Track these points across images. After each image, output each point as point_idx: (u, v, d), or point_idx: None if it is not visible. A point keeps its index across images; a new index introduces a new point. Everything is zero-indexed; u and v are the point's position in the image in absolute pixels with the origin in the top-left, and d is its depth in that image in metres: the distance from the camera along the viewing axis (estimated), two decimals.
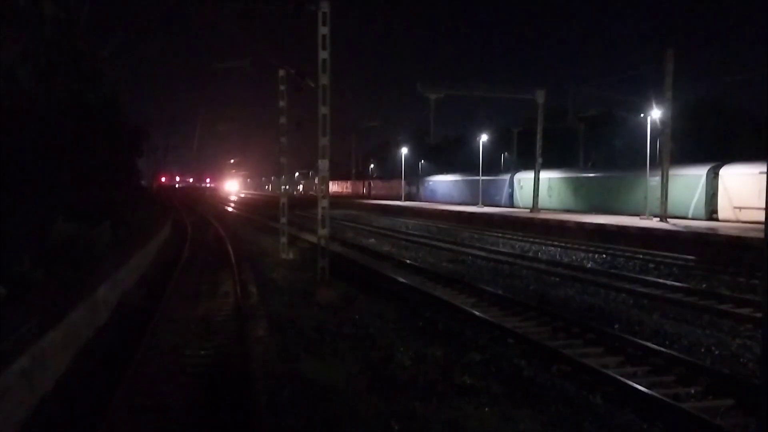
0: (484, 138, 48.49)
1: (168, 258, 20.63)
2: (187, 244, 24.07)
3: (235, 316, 11.63)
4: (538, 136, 37.88)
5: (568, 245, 24.73)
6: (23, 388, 6.71)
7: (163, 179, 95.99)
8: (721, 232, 21.76)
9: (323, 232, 15.89)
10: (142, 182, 48.87)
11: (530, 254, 22.32)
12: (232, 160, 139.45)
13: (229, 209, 63.00)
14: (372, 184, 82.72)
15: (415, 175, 69.85)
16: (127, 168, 30.67)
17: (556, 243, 25.52)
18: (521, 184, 44.58)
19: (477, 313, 12.19)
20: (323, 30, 15.04)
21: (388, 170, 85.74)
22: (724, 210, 28.36)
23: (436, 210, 45.19)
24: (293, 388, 7.63)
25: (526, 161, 48.67)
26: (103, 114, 21.33)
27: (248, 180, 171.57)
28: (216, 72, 26.60)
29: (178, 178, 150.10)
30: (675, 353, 9.28)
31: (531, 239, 27.28)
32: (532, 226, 31.60)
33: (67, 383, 7.98)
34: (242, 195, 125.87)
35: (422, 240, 27.72)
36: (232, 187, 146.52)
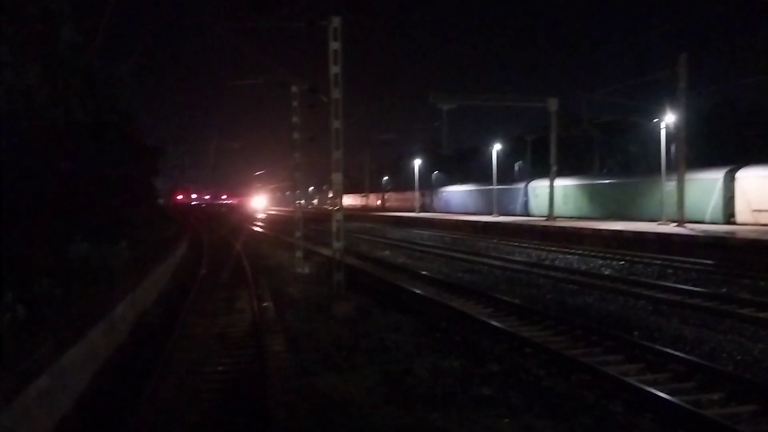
0: (497, 147, 48.40)
1: (185, 275, 20.75)
2: (203, 261, 24.19)
3: (252, 331, 11.66)
4: (552, 144, 37.74)
5: (585, 253, 24.56)
6: (43, 408, 6.76)
7: (179, 197, 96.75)
8: (739, 236, 21.52)
9: (338, 245, 15.90)
10: (159, 200, 49.34)
11: (547, 262, 22.19)
12: (258, 172, 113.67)
13: (247, 226, 63.23)
14: (386, 197, 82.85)
15: (429, 186, 69.82)
16: (144, 187, 31.01)
17: (572, 251, 25.35)
18: (536, 192, 44.40)
19: (494, 323, 12.12)
20: (335, 45, 15.13)
21: (402, 182, 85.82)
22: (742, 213, 28.05)
23: (450, 220, 45.11)
24: (311, 402, 7.62)
25: (540, 169, 48.49)
26: (119, 134, 21.60)
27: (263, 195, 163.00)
28: (231, 89, 26.87)
29: (194, 196, 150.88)
30: (696, 359, 9.17)
31: (547, 247, 27.12)
32: (548, 235, 31.44)
33: (87, 402, 8.03)
34: (270, 212, 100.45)
35: (437, 251, 27.66)
36: (260, 204, 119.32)
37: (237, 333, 11.90)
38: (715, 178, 29.59)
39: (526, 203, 46.17)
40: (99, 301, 10.98)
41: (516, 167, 62.05)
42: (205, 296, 16.15)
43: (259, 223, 61.82)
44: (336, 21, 15.06)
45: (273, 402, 7.49)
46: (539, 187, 43.54)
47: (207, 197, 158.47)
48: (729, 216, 28.80)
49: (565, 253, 24.91)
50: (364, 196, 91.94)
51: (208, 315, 13.67)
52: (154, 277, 16.84)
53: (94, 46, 18.58)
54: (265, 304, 14.47)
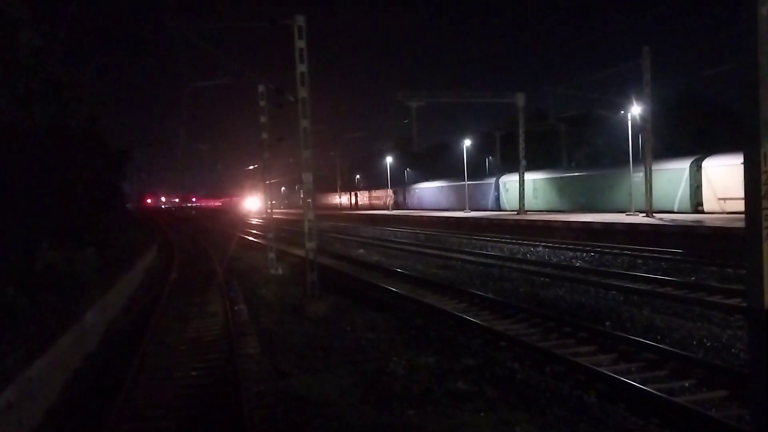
0: (467, 143, 48.62)
1: (155, 280, 20.47)
2: (174, 265, 23.89)
3: (226, 334, 11.54)
4: (521, 139, 38.11)
5: (556, 245, 24.80)
6: (11, 421, 6.59)
7: (148, 201, 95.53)
8: (706, 224, 21.91)
9: (311, 245, 15.82)
10: (128, 205, 48.64)
11: (519, 256, 22.36)
12: (252, 167, 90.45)
13: (217, 229, 62.59)
14: (359, 195, 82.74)
15: (401, 184, 69.93)
16: (111, 191, 30.50)
17: (543, 243, 25.59)
18: (507, 186, 44.73)
19: (468, 318, 12.17)
20: (300, 44, 15.06)
21: (374, 180, 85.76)
22: (708, 202, 28.60)
23: (423, 217, 45.22)
24: (287, 404, 7.57)
25: (510, 164, 48.80)
26: (84, 138, 21.19)
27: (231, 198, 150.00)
28: (197, 91, 26.53)
29: (163, 199, 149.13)
30: (667, 347, 9.30)
31: (519, 241, 27.33)
32: (520, 228, 31.69)
33: (57, 413, 7.86)
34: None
35: (411, 248, 27.69)
36: (253, 205, 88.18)
37: (210, 337, 11.76)
38: (681, 167, 30.10)
39: (497, 198, 46.49)
40: (67, 309, 10.76)
41: (488, 162, 62.46)
42: (176, 301, 15.93)
43: (233, 226, 61.21)
44: (300, 20, 14.99)
45: (248, 405, 7.42)
46: (509, 182, 43.87)
47: (176, 200, 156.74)
48: (696, 205, 29.34)
49: (536, 246, 25.13)
50: (336, 195, 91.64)
51: (180, 320, 13.49)
52: (124, 283, 16.58)
53: (55, 49, 18.21)
54: (237, 307, 14.36)
